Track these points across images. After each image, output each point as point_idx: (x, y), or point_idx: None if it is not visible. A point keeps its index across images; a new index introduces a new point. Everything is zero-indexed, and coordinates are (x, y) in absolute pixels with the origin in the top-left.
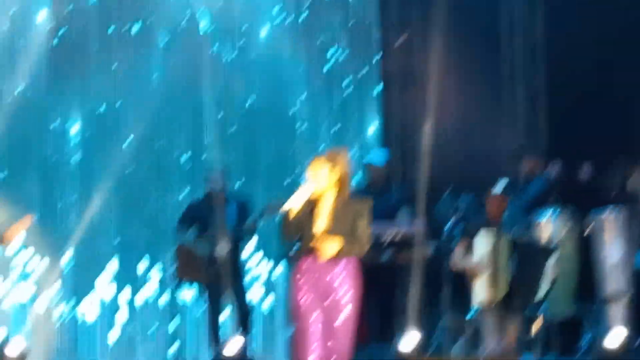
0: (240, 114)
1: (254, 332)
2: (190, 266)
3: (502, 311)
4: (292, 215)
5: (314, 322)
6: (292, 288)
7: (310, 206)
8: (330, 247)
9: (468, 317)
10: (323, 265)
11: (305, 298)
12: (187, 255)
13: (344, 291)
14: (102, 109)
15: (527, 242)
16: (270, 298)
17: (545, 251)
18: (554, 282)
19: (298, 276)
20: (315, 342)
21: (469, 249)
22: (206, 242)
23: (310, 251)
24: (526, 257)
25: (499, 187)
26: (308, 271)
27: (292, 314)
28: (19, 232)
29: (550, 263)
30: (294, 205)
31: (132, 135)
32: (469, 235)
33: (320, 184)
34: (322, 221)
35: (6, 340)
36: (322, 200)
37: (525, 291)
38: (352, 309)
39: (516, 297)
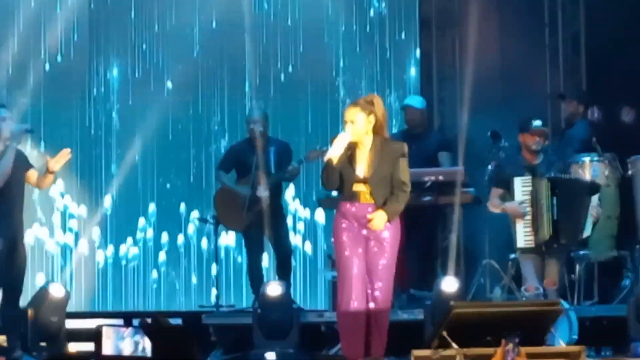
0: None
1: (294, 276)
2: (230, 209)
3: (544, 253)
4: (332, 162)
5: (357, 266)
6: (335, 233)
7: (350, 152)
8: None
9: (510, 258)
10: (365, 210)
11: (347, 243)
12: (227, 198)
13: (385, 236)
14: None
15: (569, 180)
16: (310, 242)
17: (589, 188)
18: (596, 222)
19: (340, 221)
20: (358, 286)
21: (508, 192)
22: (247, 185)
23: (352, 196)
24: (569, 195)
25: (535, 123)
26: (350, 216)
27: (335, 258)
28: (60, 164)
29: (594, 200)
30: (334, 152)
31: (170, 85)
32: (505, 181)
33: (357, 129)
34: (361, 167)
35: (50, 282)
36: (361, 145)
37: (570, 229)
38: (392, 254)
39: (561, 237)
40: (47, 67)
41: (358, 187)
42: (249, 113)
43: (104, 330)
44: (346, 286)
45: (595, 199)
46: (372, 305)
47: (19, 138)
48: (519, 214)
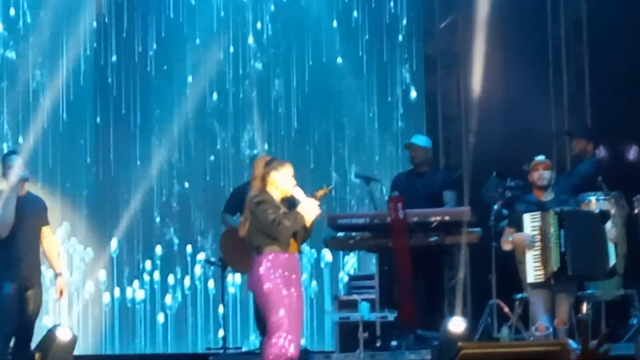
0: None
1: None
2: (237, 251)
3: (552, 291)
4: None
5: None
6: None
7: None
8: None
9: (516, 297)
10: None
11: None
12: (233, 240)
13: None
14: None
15: (577, 212)
16: (317, 283)
17: (600, 216)
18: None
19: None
20: None
21: (517, 231)
22: None
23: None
24: (579, 226)
25: (538, 158)
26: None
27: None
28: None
29: (608, 225)
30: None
31: None
32: (516, 220)
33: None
34: None
35: (57, 325)
36: None
37: (581, 261)
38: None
39: (569, 269)
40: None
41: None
42: (254, 156)
43: None
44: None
45: (608, 224)
46: None
47: (17, 186)
48: (525, 244)
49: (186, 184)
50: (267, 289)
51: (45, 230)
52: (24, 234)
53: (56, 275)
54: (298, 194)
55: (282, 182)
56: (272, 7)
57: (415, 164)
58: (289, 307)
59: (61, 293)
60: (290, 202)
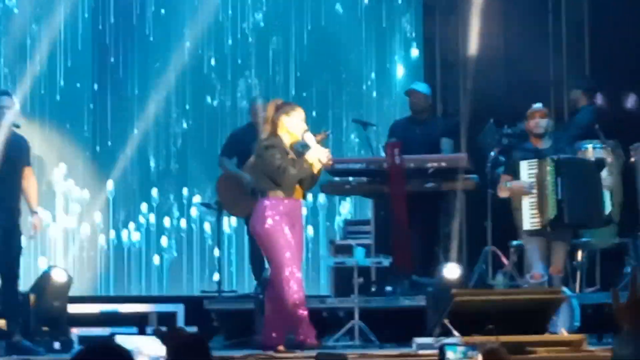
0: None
1: None
2: (234, 195)
3: (548, 238)
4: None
5: None
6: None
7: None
8: None
9: (512, 244)
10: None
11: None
12: (230, 184)
13: None
14: None
15: (574, 159)
16: (313, 228)
17: (596, 165)
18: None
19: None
20: None
21: (514, 178)
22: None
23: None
24: (575, 174)
25: (535, 105)
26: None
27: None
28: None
29: (603, 175)
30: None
31: None
32: (513, 166)
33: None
34: None
35: (52, 266)
36: None
37: (579, 209)
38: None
39: (565, 217)
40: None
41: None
42: (253, 99)
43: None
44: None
45: (604, 172)
46: None
47: (8, 131)
48: (523, 191)
49: (184, 125)
50: (268, 228)
51: (26, 170)
52: (7, 174)
53: (32, 212)
54: (309, 139)
55: (292, 126)
56: None
57: (415, 110)
58: (291, 249)
59: (35, 229)
60: (301, 147)
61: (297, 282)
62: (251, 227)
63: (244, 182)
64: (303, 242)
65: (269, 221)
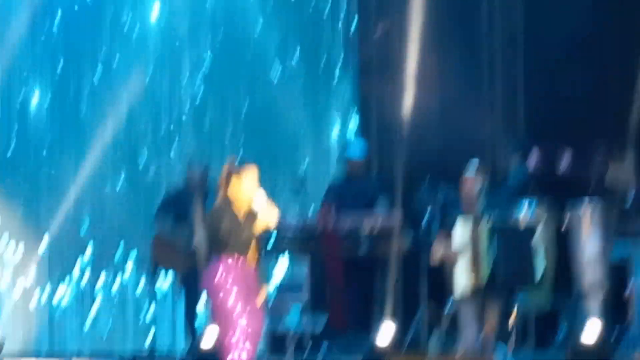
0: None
1: None
2: (167, 255)
3: (482, 300)
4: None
5: None
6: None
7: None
8: None
9: (446, 308)
10: None
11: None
12: (165, 243)
13: None
14: None
15: (508, 226)
16: None
17: (527, 232)
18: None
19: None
20: None
21: (448, 239)
22: (184, 232)
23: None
24: (509, 238)
25: (472, 168)
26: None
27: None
28: None
29: (535, 243)
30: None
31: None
32: (448, 226)
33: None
34: None
35: None
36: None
37: (511, 272)
38: None
39: (499, 283)
40: None
41: None
42: (189, 164)
43: None
44: None
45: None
46: None
47: None
48: (457, 259)
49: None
50: (221, 294)
51: None
52: None
53: None
54: (259, 198)
55: (243, 187)
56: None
57: (351, 175)
58: (244, 307)
59: None
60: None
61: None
62: (203, 283)
63: (177, 240)
64: (260, 304)
65: (221, 291)
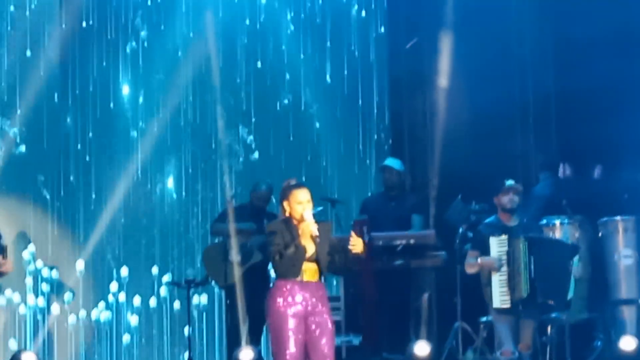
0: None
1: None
2: (218, 269)
3: (520, 314)
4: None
5: None
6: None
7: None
8: None
9: (482, 321)
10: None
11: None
12: (217, 257)
13: None
14: None
15: (547, 240)
16: None
17: (569, 249)
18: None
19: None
20: None
21: (482, 255)
22: (238, 248)
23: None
24: (547, 255)
25: (508, 183)
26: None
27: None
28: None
29: (574, 261)
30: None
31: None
32: (481, 242)
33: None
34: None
35: (22, 349)
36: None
37: (548, 289)
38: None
39: (538, 296)
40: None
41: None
42: (255, 185)
43: None
44: None
45: (576, 259)
46: None
47: None
48: (493, 267)
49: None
50: (271, 320)
51: None
52: None
53: None
54: (307, 219)
55: (291, 208)
56: None
57: (388, 186)
58: (297, 339)
59: None
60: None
61: None
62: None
63: (229, 255)
64: (326, 326)
65: (272, 316)
